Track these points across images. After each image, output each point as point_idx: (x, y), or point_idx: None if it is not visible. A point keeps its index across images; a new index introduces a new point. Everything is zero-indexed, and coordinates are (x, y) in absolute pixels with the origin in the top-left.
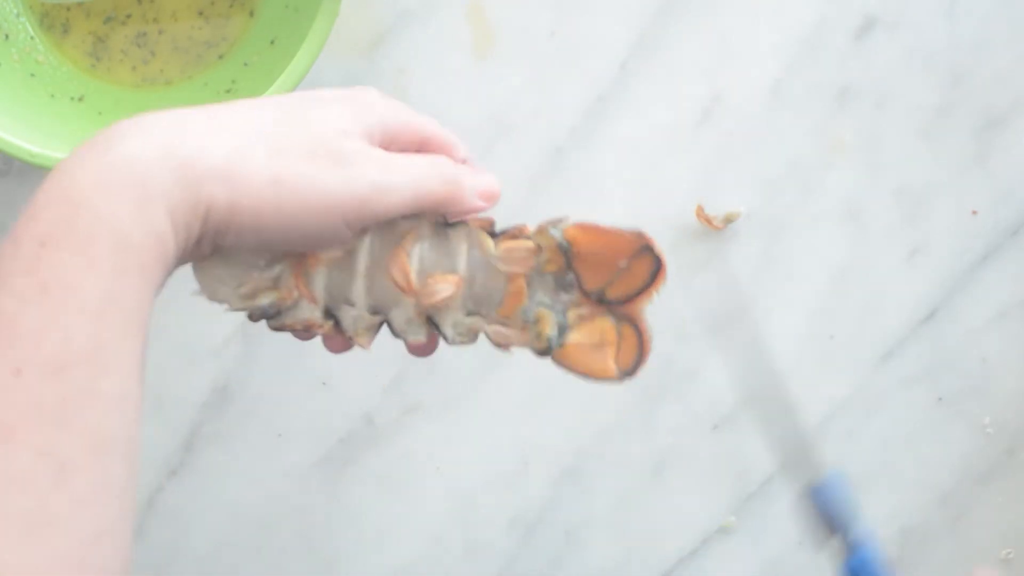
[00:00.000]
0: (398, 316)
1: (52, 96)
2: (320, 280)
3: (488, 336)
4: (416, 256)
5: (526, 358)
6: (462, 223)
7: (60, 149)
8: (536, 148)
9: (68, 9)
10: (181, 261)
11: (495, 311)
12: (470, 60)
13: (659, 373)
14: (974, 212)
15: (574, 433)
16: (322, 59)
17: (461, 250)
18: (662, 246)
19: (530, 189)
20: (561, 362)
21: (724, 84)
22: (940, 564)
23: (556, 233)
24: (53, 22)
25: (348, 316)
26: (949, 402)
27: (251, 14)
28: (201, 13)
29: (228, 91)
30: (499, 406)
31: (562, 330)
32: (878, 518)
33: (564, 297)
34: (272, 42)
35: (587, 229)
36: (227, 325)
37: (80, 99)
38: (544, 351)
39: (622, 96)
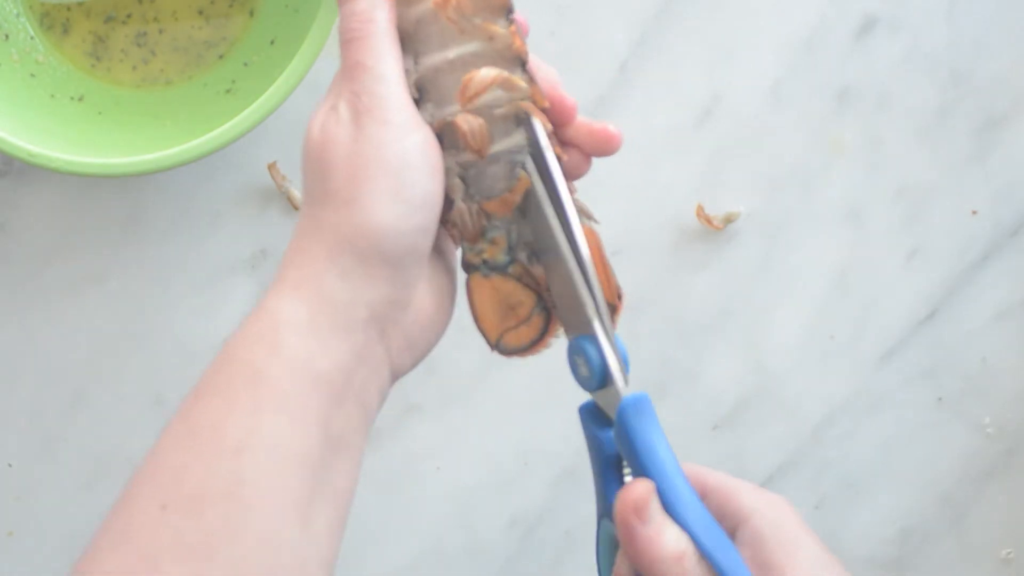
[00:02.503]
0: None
1: (52, 96)
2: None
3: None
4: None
5: (529, 361)
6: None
7: (60, 149)
8: None
9: (68, 9)
10: (390, 373)
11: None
12: None
13: (659, 373)
14: (974, 212)
15: (574, 433)
16: (322, 59)
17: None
18: (662, 245)
19: None
20: (470, 289)
21: (724, 84)
22: (940, 564)
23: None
24: (53, 22)
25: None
26: (949, 402)
27: (251, 14)
28: (201, 12)
29: (228, 91)
30: (499, 406)
31: (499, 266)
32: (878, 518)
33: (522, 254)
34: (272, 42)
35: (596, 245)
36: (227, 325)
37: (80, 99)
38: (471, 265)
39: (622, 96)
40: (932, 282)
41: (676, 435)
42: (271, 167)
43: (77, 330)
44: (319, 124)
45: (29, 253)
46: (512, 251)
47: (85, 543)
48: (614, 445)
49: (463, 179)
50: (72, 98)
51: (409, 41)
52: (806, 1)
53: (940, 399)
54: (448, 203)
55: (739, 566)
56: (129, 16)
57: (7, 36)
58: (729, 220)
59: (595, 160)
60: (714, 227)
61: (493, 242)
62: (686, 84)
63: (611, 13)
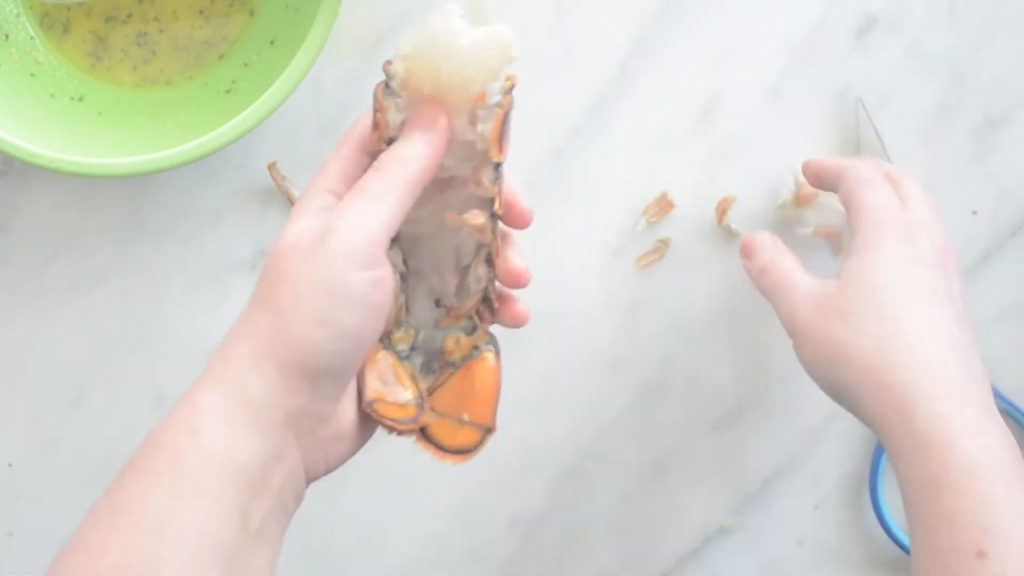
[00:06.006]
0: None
1: (52, 96)
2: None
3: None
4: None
5: (529, 361)
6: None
7: (60, 149)
8: (536, 148)
9: (68, 9)
10: (308, 470)
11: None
12: None
13: (659, 373)
14: (974, 212)
15: (574, 433)
16: (322, 59)
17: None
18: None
19: (530, 189)
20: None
21: (724, 84)
22: None
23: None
24: (53, 22)
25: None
26: None
27: (251, 13)
28: (202, 12)
29: (228, 91)
30: (499, 406)
31: (398, 353)
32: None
33: (418, 359)
34: (272, 42)
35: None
36: (227, 325)
37: (80, 99)
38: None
39: (622, 96)
40: None
41: (676, 435)
42: (271, 167)
43: (77, 330)
44: (297, 232)
45: (29, 253)
46: (413, 351)
47: None
48: None
49: (402, 275)
50: (72, 98)
51: None
52: (806, 1)
53: None
54: None
55: None
56: (129, 16)
57: (7, 36)
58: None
59: (595, 160)
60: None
61: (404, 332)
62: (686, 84)
63: (611, 13)
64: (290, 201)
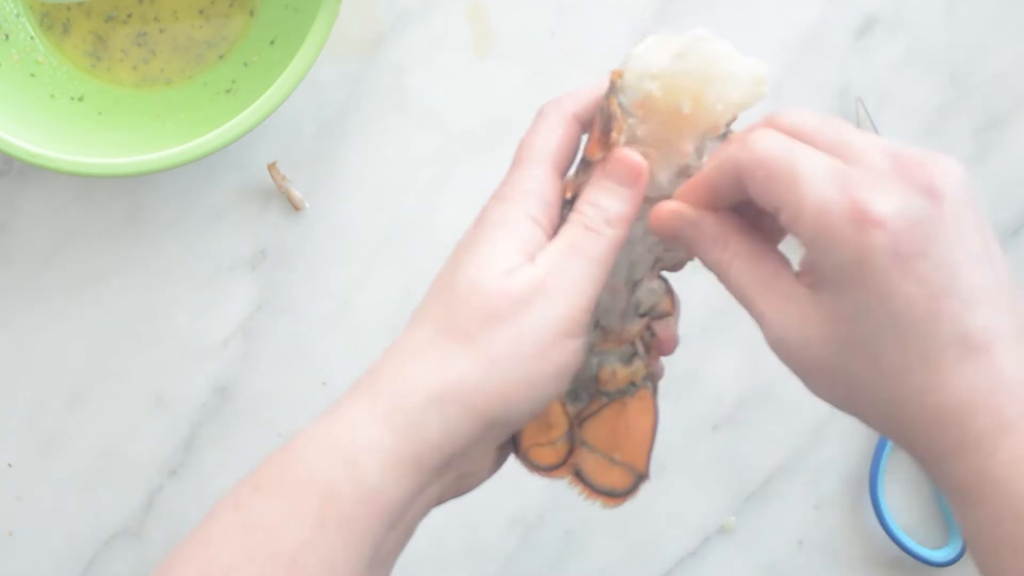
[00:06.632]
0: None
1: (52, 96)
2: None
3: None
4: None
5: None
6: None
7: (60, 149)
8: None
9: (68, 9)
10: (440, 499)
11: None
12: (470, 60)
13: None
14: None
15: None
16: (322, 59)
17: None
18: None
19: None
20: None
21: None
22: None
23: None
24: (53, 22)
25: None
26: None
27: (251, 14)
28: (202, 12)
29: (228, 91)
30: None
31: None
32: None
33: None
34: (272, 42)
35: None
36: (227, 325)
37: (80, 99)
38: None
39: None
40: None
41: (676, 435)
42: (271, 167)
43: (77, 330)
44: (504, 270)
45: (29, 253)
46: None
47: (85, 543)
48: None
49: None
50: (72, 98)
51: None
52: (806, 1)
53: None
54: None
55: None
56: (129, 16)
57: (7, 36)
58: None
59: None
60: None
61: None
62: None
63: (611, 13)
64: (290, 201)
